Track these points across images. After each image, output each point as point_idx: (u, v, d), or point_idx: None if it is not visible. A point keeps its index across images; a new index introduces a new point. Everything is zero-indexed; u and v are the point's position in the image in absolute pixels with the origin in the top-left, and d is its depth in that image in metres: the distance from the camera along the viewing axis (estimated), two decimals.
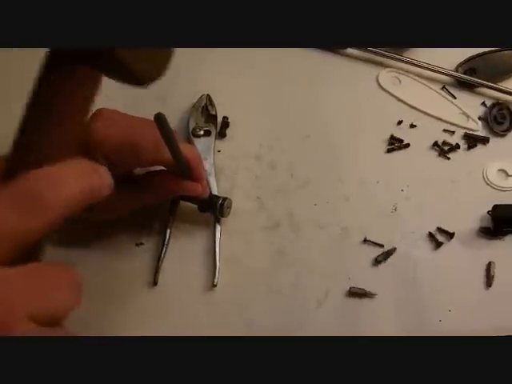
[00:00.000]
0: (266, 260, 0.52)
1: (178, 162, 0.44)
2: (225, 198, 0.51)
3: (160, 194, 0.49)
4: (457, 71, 0.62)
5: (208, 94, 0.58)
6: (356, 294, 0.50)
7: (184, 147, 0.45)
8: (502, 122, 0.60)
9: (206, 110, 0.58)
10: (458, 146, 0.58)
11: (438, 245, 0.53)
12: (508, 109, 0.61)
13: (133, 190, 0.48)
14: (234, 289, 0.50)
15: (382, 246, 0.52)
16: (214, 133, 0.57)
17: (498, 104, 0.61)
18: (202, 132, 0.56)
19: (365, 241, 0.53)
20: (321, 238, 0.53)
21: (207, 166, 0.54)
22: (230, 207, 0.53)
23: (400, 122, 0.60)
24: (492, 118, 0.60)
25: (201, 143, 0.56)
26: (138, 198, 0.49)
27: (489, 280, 0.51)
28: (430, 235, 0.53)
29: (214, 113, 0.58)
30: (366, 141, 0.59)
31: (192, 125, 0.57)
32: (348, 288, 0.50)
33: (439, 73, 0.62)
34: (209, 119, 0.58)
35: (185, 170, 0.46)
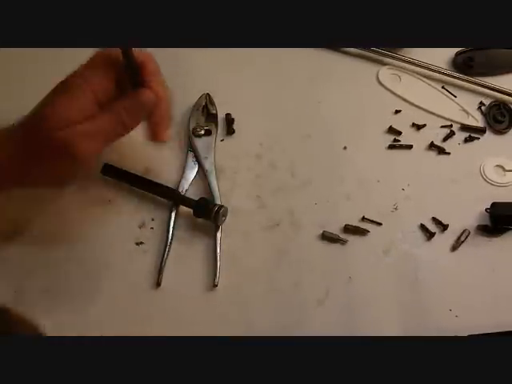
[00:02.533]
0: (267, 259, 0.52)
1: (128, 63, 0.44)
2: (221, 206, 0.51)
3: (115, 113, 0.45)
4: (455, 60, 0.63)
5: (208, 93, 0.58)
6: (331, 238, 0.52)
7: (139, 53, 0.44)
8: (501, 121, 0.60)
9: (206, 109, 0.58)
10: (453, 133, 0.59)
11: (431, 235, 0.53)
12: (507, 107, 0.61)
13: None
14: (235, 289, 0.50)
15: (380, 223, 0.53)
16: (214, 132, 0.57)
17: (497, 103, 0.61)
18: (202, 131, 0.56)
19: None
20: (321, 237, 0.53)
21: (208, 165, 0.55)
22: (225, 216, 0.52)
23: (400, 121, 0.59)
24: (491, 117, 0.60)
25: (201, 142, 0.56)
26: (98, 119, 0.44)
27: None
28: (423, 228, 0.54)
29: (214, 112, 0.58)
30: (367, 140, 0.59)
31: (192, 124, 0.57)
32: (348, 287, 0.50)
33: (439, 72, 0.62)
34: (209, 118, 0.57)
35: (135, 71, 0.45)
